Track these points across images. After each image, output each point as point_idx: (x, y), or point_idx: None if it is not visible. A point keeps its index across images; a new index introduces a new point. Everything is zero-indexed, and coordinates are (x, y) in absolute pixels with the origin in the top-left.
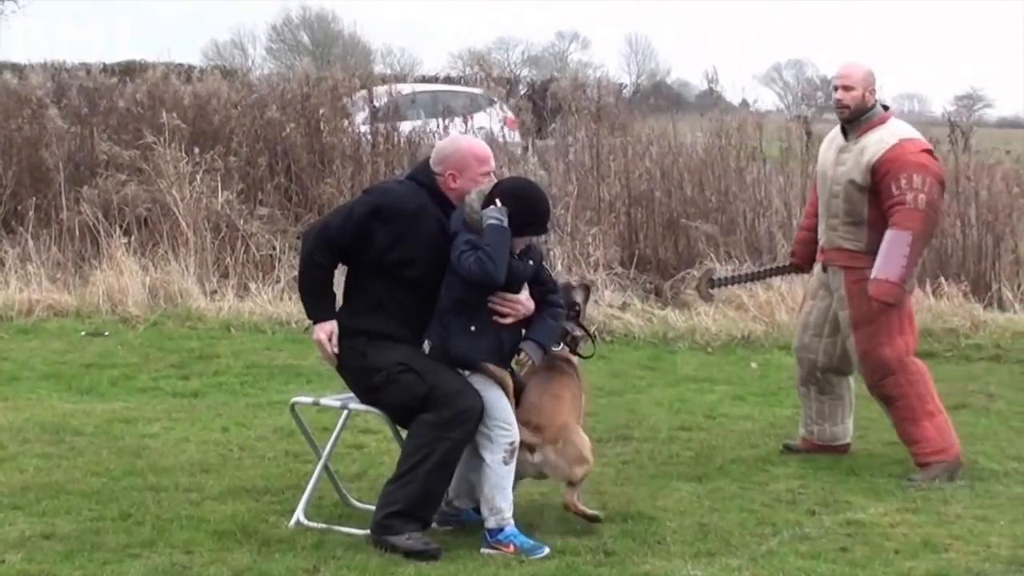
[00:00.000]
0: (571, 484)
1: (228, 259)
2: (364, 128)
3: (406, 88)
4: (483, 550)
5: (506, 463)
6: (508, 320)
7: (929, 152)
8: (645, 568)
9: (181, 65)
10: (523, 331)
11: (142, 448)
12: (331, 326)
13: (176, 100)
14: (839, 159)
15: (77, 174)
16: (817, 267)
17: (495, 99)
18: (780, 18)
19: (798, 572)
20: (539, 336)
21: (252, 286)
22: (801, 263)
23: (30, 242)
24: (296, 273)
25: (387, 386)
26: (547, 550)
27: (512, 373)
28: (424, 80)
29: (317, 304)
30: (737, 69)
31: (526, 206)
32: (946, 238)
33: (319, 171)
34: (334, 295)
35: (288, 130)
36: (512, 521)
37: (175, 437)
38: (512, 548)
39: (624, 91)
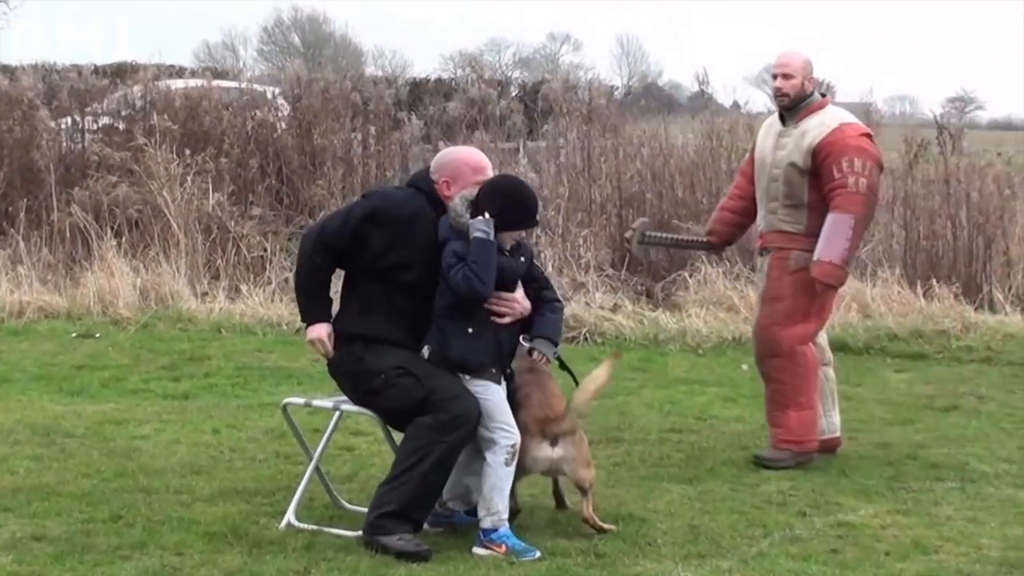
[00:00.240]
0: (584, 492)
1: (219, 261)
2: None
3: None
4: (475, 549)
5: (507, 464)
6: (506, 320)
7: (868, 136)
8: (636, 570)
9: (172, 67)
10: (519, 330)
11: (133, 450)
12: (327, 328)
13: (167, 102)
14: (779, 144)
15: (68, 176)
16: (761, 260)
17: (275, 93)
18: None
19: (788, 574)
20: (546, 332)
21: (243, 288)
22: (719, 242)
23: (21, 244)
24: (289, 275)
25: (385, 390)
26: (538, 553)
27: (508, 377)
28: (415, 83)
29: (313, 304)
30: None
31: (513, 202)
32: (937, 240)
33: (310, 173)
34: (330, 300)
35: (279, 132)
36: (507, 523)
37: (166, 439)
38: (504, 549)
39: (615, 93)
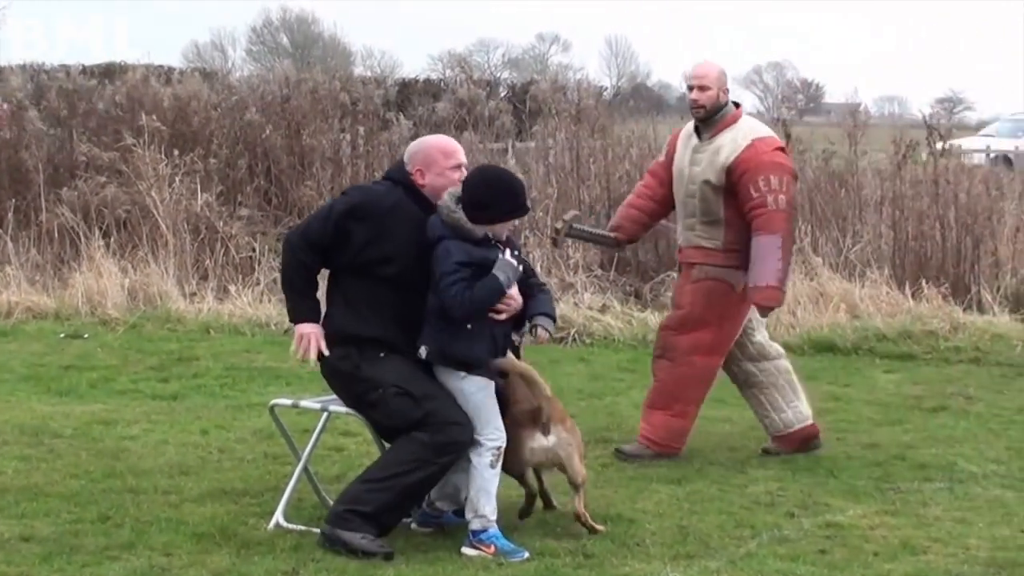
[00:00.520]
0: (576, 488)
1: (208, 261)
2: None
3: None
4: (464, 549)
5: (492, 467)
6: (502, 316)
7: (782, 150)
8: (624, 570)
9: (161, 67)
10: (512, 326)
11: (121, 450)
12: (317, 327)
13: (156, 102)
14: (694, 159)
15: (56, 176)
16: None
17: None
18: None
19: (777, 574)
20: (544, 309)
21: (232, 288)
22: (625, 238)
23: (9, 244)
24: (278, 275)
25: (381, 405)
26: (527, 554)
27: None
28: (404, 83)
29: (302, 303)
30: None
31: (505, 192)
32: (926, 240)
33: (299, 173)
34: (318, 300)
35: (268, 132)
36: (495, 524)
37: (154, 439)
38: (493, 549)
39: (604, 93)
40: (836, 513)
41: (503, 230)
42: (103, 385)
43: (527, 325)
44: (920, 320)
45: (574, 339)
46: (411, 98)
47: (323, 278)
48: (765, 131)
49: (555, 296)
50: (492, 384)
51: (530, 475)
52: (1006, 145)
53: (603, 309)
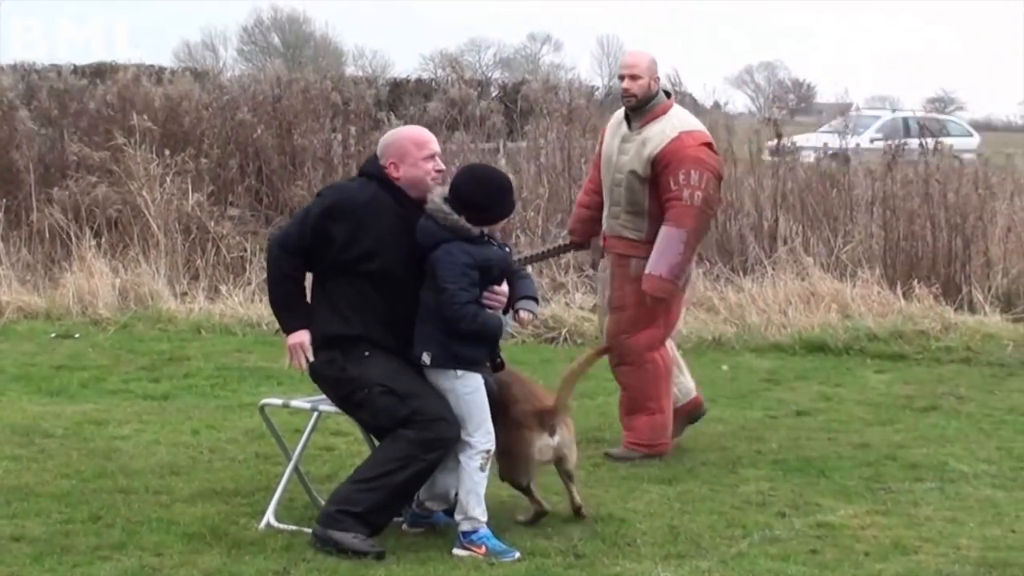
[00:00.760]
0: (571, 478)
1: (199, 261)
2: None
3: None
4: (455, 550)
5: (482, 470)
6: (496, 311)
7: (708, 145)
8: (615, 570)
9: (152, 67)
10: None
11: (112, 450)
12: (306, 334)
13: (147, 102)
14: (622, 148)
15: (47, 176)
16: (603, 261)
17: None
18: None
19: (768, 574)
20: (528, 293)
21: (223, 288)
22: (581, 240)
23: (0, 244)
24: (265, 277)
25: (367, 405)
26: (518, 554)
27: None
28: (395, 83)
29: (290, 314)
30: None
31: (502, 193)
32: (917, 240)
33: (290, 173)
34: (306, 305)
35: (259, 132)
36: (485, 524)
37: (145, 439)
38: (484, 550)
39: (596, 93)
40: (827, 513)
41: (496, 230)
42: (94, 385)
43: (511, 312)
44: (911, 320)
45: (565, 339)
46: (402, 98)
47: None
48: (694, 124)
49: (546, 296)
50: (483, 384)
51: (536, 487)
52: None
53: (594, 309)
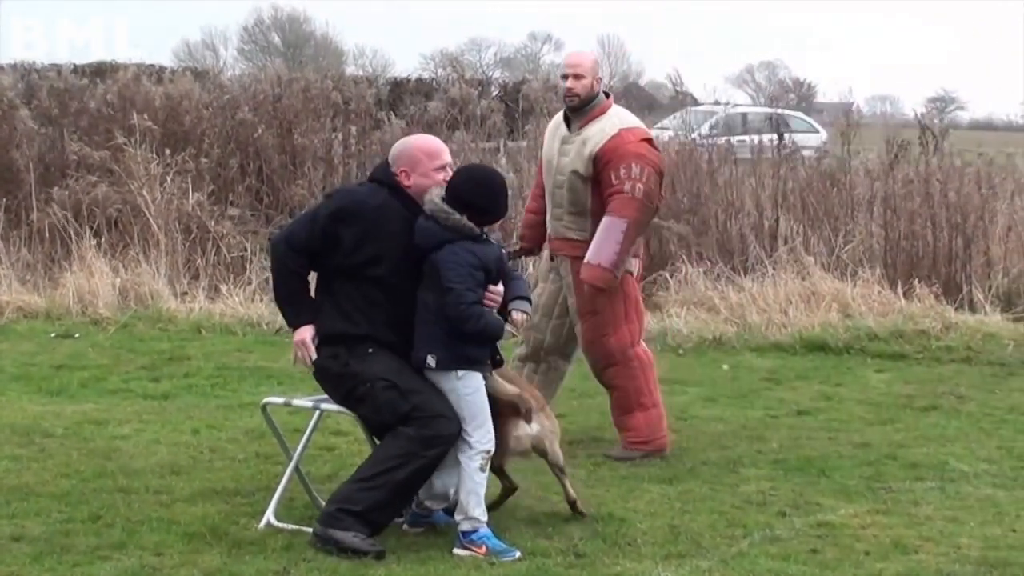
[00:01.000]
0: (562, 472)
1: (199, 261)
2: None
3: None
4: (455, 550)
5: (482, 470)
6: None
7: (649, 141)
8: (616, 570)
9: (152, 66)
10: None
11: (112, 450)
12: (311, 330)
13: (147, 101)
14: (562, 150)
15: (47, 175)
16: (546, 251)
17: None
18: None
19: (768, 574)
20: (521, 293)
21: (223, 288)
22: (531, 246)
23: (0, 244)
24: (268, 275)
25: (369, 399)
26: (518, 554)
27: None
28: (396, 83)
29: (297, 310)
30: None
31: (500, 194)
32: (917, 240)
33: (290, 173)
34: (311, 300)
35: (259, 131)
36: (486, 524)
37: (145, 439)
38: (484, 549)
39: None
40: (828, 512)
41: (492, 230)
42: (94, 385)
43: (506, 314)
44: (912, 319)
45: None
46: (403, 97)
47: (312, 278)
48: (633, 121)
49: None
50: (484, 385)
51: (509, 468)
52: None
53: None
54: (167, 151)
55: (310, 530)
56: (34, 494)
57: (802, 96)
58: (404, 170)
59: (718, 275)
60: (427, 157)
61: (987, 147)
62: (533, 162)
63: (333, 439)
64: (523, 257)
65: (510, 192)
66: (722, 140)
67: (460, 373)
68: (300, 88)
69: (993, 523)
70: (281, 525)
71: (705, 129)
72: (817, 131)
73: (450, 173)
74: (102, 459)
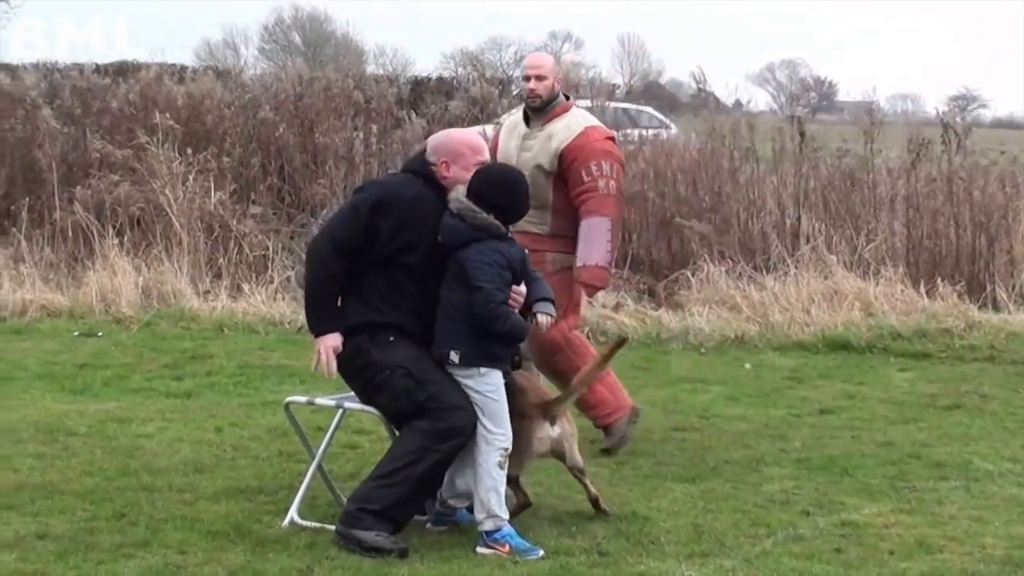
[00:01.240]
0: (582, 473)
1: (221, 259)
2: None
3: None
4: (479, 549)
5: (500, 468)
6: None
7: (612, 139)
8: (639, 569)
9: (174, 65)
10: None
11: (136, 448)
12: (336, 338)
13: (169, 100)
14: (524, 145)
15: (70, 174)
16: None
17: None
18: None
19: (792, 573)
20: (544, 295)
21: (245, 286)
22: None
23: (23, 243)
24: (291, 273)
25: (387, 387)
26: (541, 552)
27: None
28: (416, 82)
29: (327, 315)
30: (730, 69)
31: (524, 194)
32: (940, 238)
33: (312, 171)
34: (338, 308)
35: (281, 130)
36: (508, 522)
37: (169, 437)
38: (508, 548)
39: (617, 91)
40: (851, 511)
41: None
42: (117, 383)
43: (528, 316)
44: (935, 318)
45: (588, 337)
46: (424, 96)
47: None
48: (596, 121)
49: None
50: (503, 383)
51: (525, 480)
52: None
53: (617, 307)
54: (189, 150)
55: (333, 528)
56: (58, 492)
57: (823, 95)
58: (445, 161)
59: (740, 274)
60: (471, 151)
61: (1010, 145)
62: None
63: (356, 437)
64: None
65: None
66: None
67: (483, 370)
68: (321, 87)
69: (1018, 522)
70: (305, 523)
71: None
72: (669, 127)
73: None
74: (126, 457)
